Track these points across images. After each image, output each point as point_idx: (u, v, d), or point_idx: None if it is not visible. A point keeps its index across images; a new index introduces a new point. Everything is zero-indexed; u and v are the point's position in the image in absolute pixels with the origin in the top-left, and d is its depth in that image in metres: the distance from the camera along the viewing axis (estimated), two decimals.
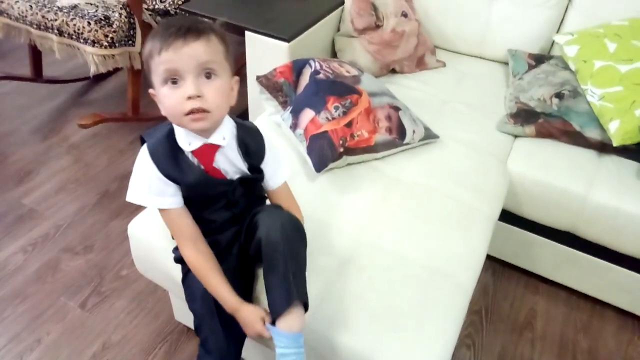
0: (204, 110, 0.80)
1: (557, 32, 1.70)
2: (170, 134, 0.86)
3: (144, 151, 0.86)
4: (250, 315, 0.87)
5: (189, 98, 0.78)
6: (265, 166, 0.94)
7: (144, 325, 1.37)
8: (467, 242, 1.14)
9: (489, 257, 1.59)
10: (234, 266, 0.95)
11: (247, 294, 0.98)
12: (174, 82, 0.79)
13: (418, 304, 0.98)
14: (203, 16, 1.69)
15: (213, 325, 0.91)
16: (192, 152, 0.86)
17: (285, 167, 0.99)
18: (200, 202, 0.91)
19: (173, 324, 1.38)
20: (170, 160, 0.85)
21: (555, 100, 1.46)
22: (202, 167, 0.87)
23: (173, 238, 0.95)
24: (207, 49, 0.79)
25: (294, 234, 0.88)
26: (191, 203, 0.91)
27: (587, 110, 1.42)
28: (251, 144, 0.92)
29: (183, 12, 1.99)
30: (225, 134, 0.88)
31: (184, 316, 1.31)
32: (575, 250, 1.42)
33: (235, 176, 0.91)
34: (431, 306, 0.99)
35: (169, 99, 0.80)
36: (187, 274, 0.97)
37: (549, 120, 1.44)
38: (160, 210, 0.89)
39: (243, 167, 0.91)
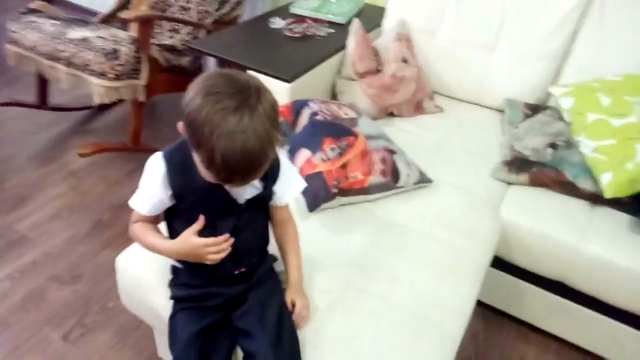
0: None
1: (554, 84, 1.74)
2: (186, 145, 0.82)
3: (155, 155, 0.86)
4: (185, 240, 0.86)
5: None
6: (277, 187, 0.93)
7: None
8: (457, 289, 1.12)
9: (480, 304, 1.56)
10: (218, 321, 0.95)
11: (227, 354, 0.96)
12: None
13: (406, 352, 0.97)
14: (211, 55, 1.73)
15: None
16: None
17: (297, 188, 0.98)
18: (206, 222, 0.87)
19: None
20: (182, 167, 0.84)
21: (549, 150, 1.48)
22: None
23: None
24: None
25: None
26: (193, 219, 0.86)
27: (581, 161, 1.43)
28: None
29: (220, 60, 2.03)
30: None
31: (168, 353, 1.28)
32: (566, 300, 1.40)
33: (245, 196, 0.89)
34: (418, 355, 0.97)
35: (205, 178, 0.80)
36: (176, 315, 0.96)
37: (542, 170, 1.45)
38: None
39: (258, 185, 0.90)
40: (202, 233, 0.88)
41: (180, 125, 0.78)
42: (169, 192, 0.86)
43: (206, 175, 0.77)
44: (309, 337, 0.96)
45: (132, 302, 1.15)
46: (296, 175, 0.99)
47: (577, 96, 1.56)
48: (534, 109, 1.67)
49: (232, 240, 0.87)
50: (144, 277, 1.07)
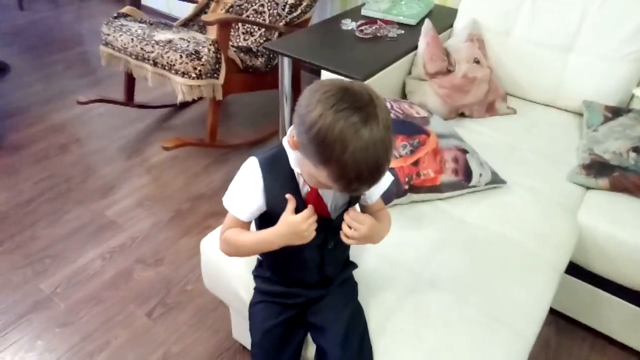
0: None
1: (638, 85, 1.66)
2: (282, 154, 0.85)
3: (251, 161, 0.86)
4: (285, 220, 0.84)
5: None
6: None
7: (203, 339, 1.44)
8: (530, 291, 1.11)
9: (553, 312, 1.52)
10: (294, 316, 1.00)
11: (300, 343, 1.01)
12: None
13: (475, 349, 0.97)
14: (288, 55, 1.81)
15: None
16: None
17: (384, 182, 0.92)
18: None
19: (230, 342, 1.43)
20: (282, 177, 0.85)
21: (632, 155, 1.42)
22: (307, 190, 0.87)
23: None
24: None
25: None
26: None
27: None
28: None
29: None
30: None
31: (242, 335, 1.36)
32: None
33: (334, 206, 0.90)
34: (488, 353, 0.97)
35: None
36: (257, 304, 1.02)
37: (625, 174, 1.39)
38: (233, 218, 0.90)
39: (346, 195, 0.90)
40: (291, 248, 0.87)
41: (291, 141, 0.79)
42: (265, 199, 0.87)
43: (327, 184, 0.77)
44: (378, 328, 0.99)
45: (213, 284, 1.24)
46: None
47: None
48: (615, 112, 1.60)
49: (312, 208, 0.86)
50: (226, 259, 1.14)
